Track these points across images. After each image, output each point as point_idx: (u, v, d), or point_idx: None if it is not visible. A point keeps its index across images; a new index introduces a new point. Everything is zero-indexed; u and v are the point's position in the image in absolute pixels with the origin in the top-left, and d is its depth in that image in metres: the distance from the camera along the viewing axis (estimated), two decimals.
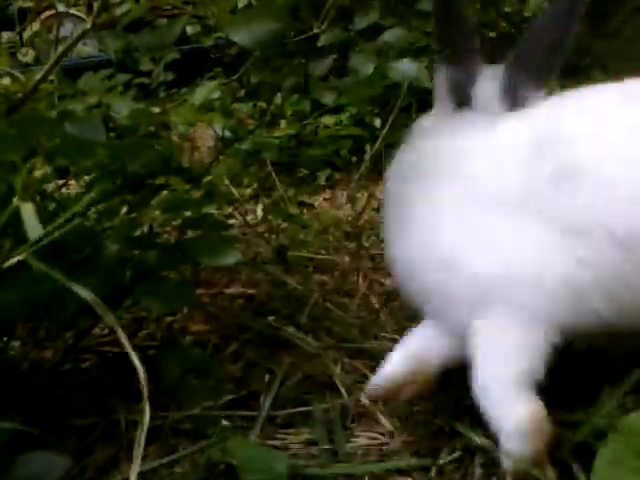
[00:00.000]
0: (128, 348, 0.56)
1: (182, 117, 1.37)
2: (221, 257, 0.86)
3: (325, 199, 1.68)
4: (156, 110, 1.29)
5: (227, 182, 1.49)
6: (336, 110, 1.89)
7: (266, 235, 1.33)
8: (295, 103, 1.93)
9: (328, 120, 1.88)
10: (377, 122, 1.84)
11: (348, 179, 1.74)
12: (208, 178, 1.19)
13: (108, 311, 0.60)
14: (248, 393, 0.87)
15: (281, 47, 1.54)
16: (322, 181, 1.78)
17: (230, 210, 1.33)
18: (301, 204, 1.49)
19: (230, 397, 0.85)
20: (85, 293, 0.62)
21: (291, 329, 0.98)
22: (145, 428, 0.59)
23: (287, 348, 0.97)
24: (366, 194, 1.51)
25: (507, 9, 2.15)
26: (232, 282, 1.17)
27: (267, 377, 0.90)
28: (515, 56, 0.77)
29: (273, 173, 1.61)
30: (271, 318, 1.01)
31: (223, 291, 1.14)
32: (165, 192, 1.12)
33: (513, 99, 0.77)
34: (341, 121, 1.86)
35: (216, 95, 1.61)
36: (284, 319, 1.02)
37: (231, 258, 0.86)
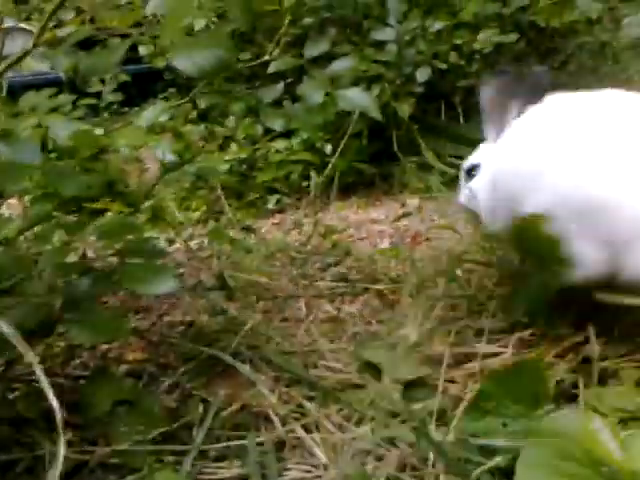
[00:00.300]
0: (44, 383, 0.54)
1: (128, 138, 1.35)
2: (156, 286, 0.85)
3: (274, 223, 1.67)
4: (100, 131, 1.27)
5: (172, 206, 1.47)
6: (288, 134, 1.90)
7: (209, 260, 1.32)
8: (248, 127, 1.93)
9: (280, 144, 1.89)
10: (328, 148, 1.85)
11: (297, 204, 1.74)
12: (151, 202, 1.17)
13: (27, 347, 0.58)
14: (181, 425, 0.85)
15: (226, 74, 1.54)
16: (272, 205, 1.77)
17: (173, 234, 1.31)
18: (248, 229, 1.48)
19: (162, 430, 0.83)
20: (5, 327, 0.59)
21: (229, 357, 0.97)
22: (58, 470, 0.56)
23: (224, 377, 0.95)
24: (314, 219, 1.52)
25: (458, 41, 2.21)
26: (173, 308, 1.15)
27: (202, 407, 0.88)
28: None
29: (222, 197, 1.61)
30: (208, 346, 1.00)
31: (162, 318, 1.12)
32: (110, 215, 1.10)
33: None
34: (292, 146, 1.86)
35: (165, 117, 1.60)
36: (222, 347, 1.00)
37: (167, 287, 0.85)
